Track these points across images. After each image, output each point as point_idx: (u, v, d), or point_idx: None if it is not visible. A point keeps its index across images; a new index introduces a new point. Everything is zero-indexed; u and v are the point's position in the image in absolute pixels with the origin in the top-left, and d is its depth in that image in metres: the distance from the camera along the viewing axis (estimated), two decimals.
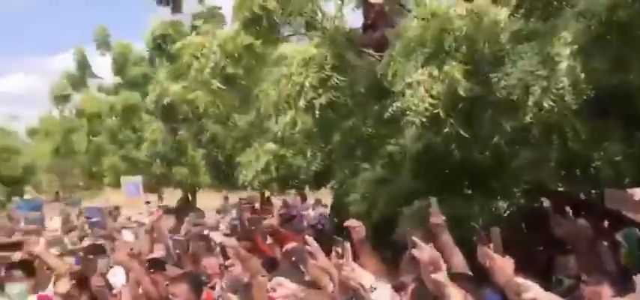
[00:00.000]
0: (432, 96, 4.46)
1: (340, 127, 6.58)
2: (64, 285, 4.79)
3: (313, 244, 3.81)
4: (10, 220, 12.18)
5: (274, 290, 3.33)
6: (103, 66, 18.45)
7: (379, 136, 6.58)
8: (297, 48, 5.89)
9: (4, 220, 12.78)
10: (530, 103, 4.13)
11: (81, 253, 6.24)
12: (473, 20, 4.61)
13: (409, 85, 4.57)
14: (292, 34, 6.52)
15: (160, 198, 16.17)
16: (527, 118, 4.21)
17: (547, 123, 4.40)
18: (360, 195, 6.47)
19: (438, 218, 4.16)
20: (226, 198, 13.99)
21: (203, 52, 6.39)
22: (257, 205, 10.59)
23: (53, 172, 32.22)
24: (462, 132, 4.39)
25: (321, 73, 5.50)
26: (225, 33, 6.52)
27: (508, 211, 6.15)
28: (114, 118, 15.76)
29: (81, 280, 4.99)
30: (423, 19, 4.71)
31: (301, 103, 5.44)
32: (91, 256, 5.64)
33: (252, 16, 6.11)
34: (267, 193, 10.72)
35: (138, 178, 11.03)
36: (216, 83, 6.40)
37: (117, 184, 13.80)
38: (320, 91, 5.47)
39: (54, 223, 9.26)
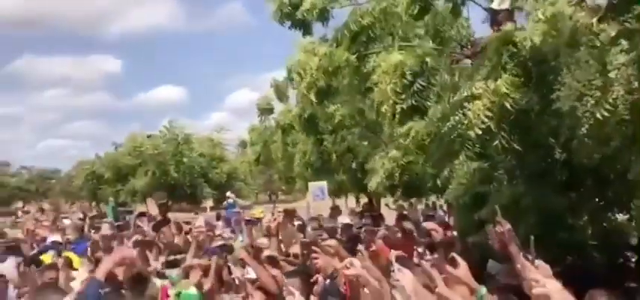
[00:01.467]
0: (488, 109, 4.68)
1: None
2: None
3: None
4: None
5: (347, 268, 3.71)
6: None
7: None
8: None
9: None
10: (579, 112, 4.13)
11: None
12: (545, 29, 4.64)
13: (467, 98, 4.85)
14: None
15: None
16: (583, 130, 4.18)
17: None
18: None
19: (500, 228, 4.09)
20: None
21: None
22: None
23: (255, 178, 35.91)
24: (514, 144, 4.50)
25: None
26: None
27: None
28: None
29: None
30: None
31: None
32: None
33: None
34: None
35: (323, 183, 11.66)
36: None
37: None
38: (403, 96, 5.89)
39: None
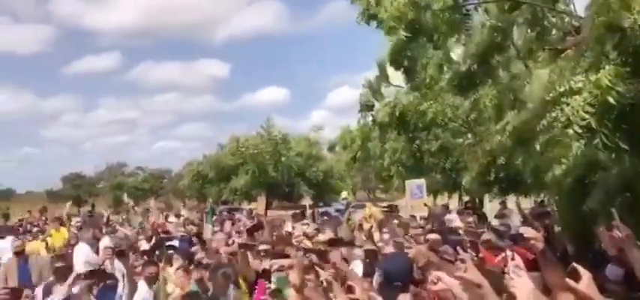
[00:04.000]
0: (589, 104, 4.25)
1: None
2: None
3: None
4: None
5: (435, 283, 3.34)
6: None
7: None
8: None
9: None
10: None
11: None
12: None
13: (565, 93, 4.43)
14: None
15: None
16: None
17: None
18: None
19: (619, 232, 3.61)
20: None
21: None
22: None
23: (352, 176, 35.98)
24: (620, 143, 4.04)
25: None
26: None
27: None
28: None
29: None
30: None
31: None
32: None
33: None
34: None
35: (422, 181, 11.46)
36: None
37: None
38: None
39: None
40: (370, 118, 19.86)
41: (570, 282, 3.25)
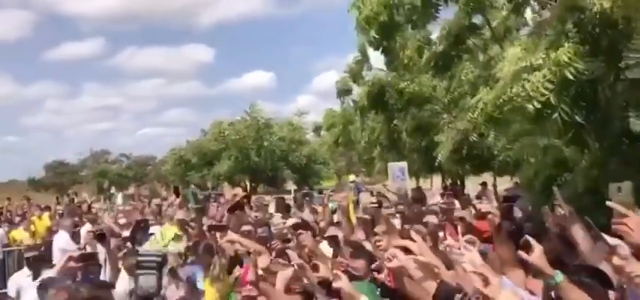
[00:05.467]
0: (548, 80, 4.40)
1: None
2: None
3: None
4: None
5: (390, 260, 3.72)
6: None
7: None
8: None
9: None
10: None
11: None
12: None
13: (527, 69, 4.58)
14: None
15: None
16: None
17: None
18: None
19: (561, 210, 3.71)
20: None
21: None
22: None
23: (335, 160, 36.04)
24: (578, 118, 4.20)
25: None
26: None
27: None
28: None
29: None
30: None
31: None
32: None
33: None
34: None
35: (404, 164, 11.34)
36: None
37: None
38: None
39: None
40: (351, 102, 19.94)
41: (522, 253, 3.39)
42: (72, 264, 5.61)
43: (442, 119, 9.53)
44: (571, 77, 4.14)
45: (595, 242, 3.55)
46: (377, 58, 16.56)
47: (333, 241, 6.01)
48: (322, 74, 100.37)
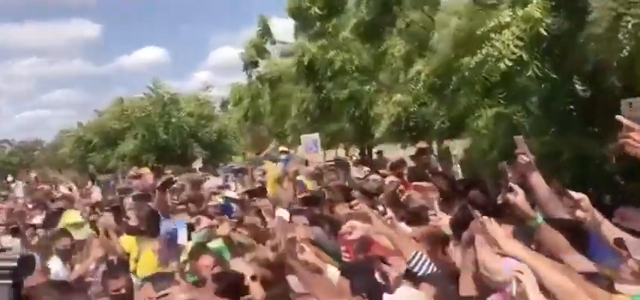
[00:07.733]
0: (518, 38, 4.42)
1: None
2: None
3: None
4: None
5: (350, 233, 3.72)
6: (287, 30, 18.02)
7: None
8: None
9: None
10: (620, 35, 3.89)
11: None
12: None
13: (495, 28, 4.58)
14: None
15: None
16: (624, 53, 3.94)
17: None
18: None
19: (525, 157, 3.82)
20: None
21: None
22: None
23: (244, 135, 35.48)
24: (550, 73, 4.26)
25: None
26: None
27: None
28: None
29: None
30: None
31: None
32: None
33: None
34: None
35: (315, 135, 11.30)
36: None
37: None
38: None
39: None
40: (256, 76, 19.56)
41: (509, 195, 3.39)
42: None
43: (372, 86, 9.59)
44: (545, 33, 4.17)
45: (560, 198, 3.67)
46: (281, 31, 16.49)
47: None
48: (218, 49, 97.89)
